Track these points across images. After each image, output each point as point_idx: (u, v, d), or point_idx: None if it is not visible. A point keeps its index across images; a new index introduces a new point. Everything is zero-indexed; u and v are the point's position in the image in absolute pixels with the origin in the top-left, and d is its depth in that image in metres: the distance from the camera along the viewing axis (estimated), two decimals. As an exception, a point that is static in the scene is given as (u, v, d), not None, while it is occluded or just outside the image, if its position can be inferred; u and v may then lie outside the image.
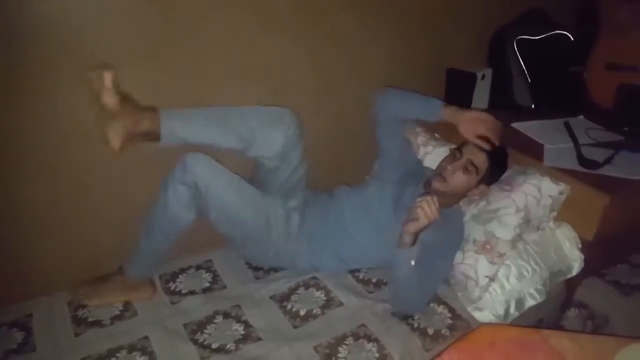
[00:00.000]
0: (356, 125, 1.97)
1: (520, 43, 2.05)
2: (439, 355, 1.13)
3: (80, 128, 1.42)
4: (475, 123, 1.46)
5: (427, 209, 1.28)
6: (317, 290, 1.53)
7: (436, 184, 1.50)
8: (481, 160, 1.48)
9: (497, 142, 1.46)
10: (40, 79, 1.33)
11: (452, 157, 1.51)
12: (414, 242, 1.33)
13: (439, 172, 1.51)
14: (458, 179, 1.48)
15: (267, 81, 1.70)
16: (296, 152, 1.50)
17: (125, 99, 1.28)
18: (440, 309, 1.48)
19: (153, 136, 1.33)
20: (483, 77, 2.06)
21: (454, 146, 1.79)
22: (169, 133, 1.33)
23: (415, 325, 1.41)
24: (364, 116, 1.96)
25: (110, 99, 1.25)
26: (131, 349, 1.29)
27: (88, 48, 1.35)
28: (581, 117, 2.03)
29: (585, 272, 1.63)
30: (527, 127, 1.94)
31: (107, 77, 1.23)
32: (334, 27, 1.74)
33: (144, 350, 1.29)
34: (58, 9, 1.29)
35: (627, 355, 1.11)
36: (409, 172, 1.68)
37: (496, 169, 1.53)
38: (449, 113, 1.49)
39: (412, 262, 1.34)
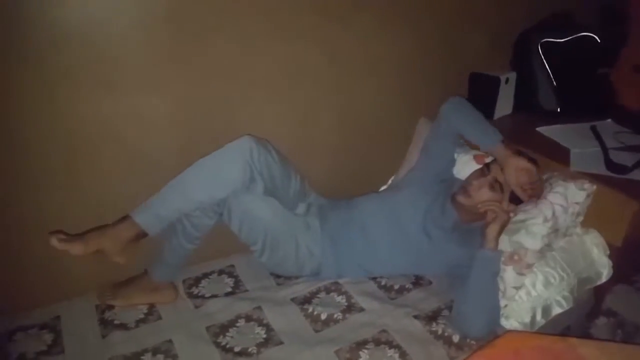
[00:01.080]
0: (374, 131, 1.97)
1: (545, 46, 2.02)
2: (463, 361, 1.12)
3: (103, 132, 1.46)
4: (520, 173, 1.43)
5: (497, 207, 1.38)
6: (339, 295, 1.53)
7: (461, 198, 1.49)
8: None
9: (535, 197, 1.46)
10: (56, 86, 1.36)
11: (480, 172, 1.50)
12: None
13: (465, 187, 1.50)
14: (483, 195, 1.46)
15: (284, 90, 1.72)
16: (272, 171, 1.45)
17: (91, 240, 1.31)
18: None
19: (143, 235, 1.35)
20: (507, 81, 2.04)
21: (477, 153, 1.78)
22: (151, 224, 1.34)
23: (440, 332, 1.39)
24: (382, 122, 1.98)
25: (81, 252, 1.29)
26: (155, 351, 1.31)
27: (106, 56, 1.39)
28: (609, 120, 1.99)
29: (614, 279, 1.59)
30: (552, 131, 1.91)
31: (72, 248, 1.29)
32: (350, 31, 1.73)
33: (167, 353, 1.31)
34: (76, 18, 1.33)
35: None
36: (442, 184, 1.66)
37: None
38: (502, 152, 1.45)
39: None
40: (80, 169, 1.48)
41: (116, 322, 1.41)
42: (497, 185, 1.46)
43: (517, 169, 1.42)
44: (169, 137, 1.57)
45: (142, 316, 1.44)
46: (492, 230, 1.40)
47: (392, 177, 2.02)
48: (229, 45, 1.54)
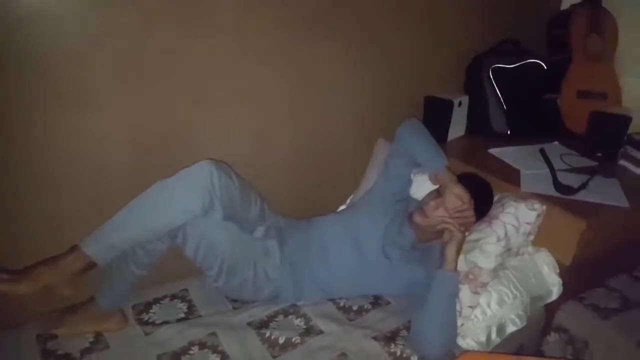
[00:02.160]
0: (333, 151, 1.98)
1: (496, 71, 2.10)
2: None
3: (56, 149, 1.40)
4: (455, 199, 1.44)
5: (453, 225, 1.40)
6: (297, 318, 1.50)
7: (418, 219, 1.49)
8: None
9: (462, 230, 1.44)
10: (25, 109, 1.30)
11: (437, 193, 1.50)
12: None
13: (421, 207, 1.50)
14: (439, 215, 1.45)
15: (250, 106, 1.70)
16: (232, 197, 1.41)
17: (38, 275, 1.23)
18: (422, 336, 1.45)
19: (92, 265, 1.28)
20: (460, 104, 2.10)
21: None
22: (102, 254, 1.27)
23: (398, 353, 1.38)
24: (341, 142, 1.99)
25: (29, 291, 1.21)
26: (102, 383, 1.24)
27: (66, 76, 1.34)
28: (556, 143, 2.08)
29: (564, 297, 1.64)
30: (503, 153, 1.97)
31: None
32: (315, 55, 1.76)
33: (115, 385, 1.23)
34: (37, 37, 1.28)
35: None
36: (399, 204, 1.67)
37: (480, 206, 1.51)
38: (445, 177, 1.47)
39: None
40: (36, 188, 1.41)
41: (59, 352, 1.32)
42: None
43: (456, 196, 1.43)
44: (122, 155, 1.52)
45: (88, 345, 1.35)
46: (450, 250, 1.41)
47: (351, 197, 2.02)
48: (189, 65, 1.52)
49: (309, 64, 1.76)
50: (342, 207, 2.00)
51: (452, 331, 1.42)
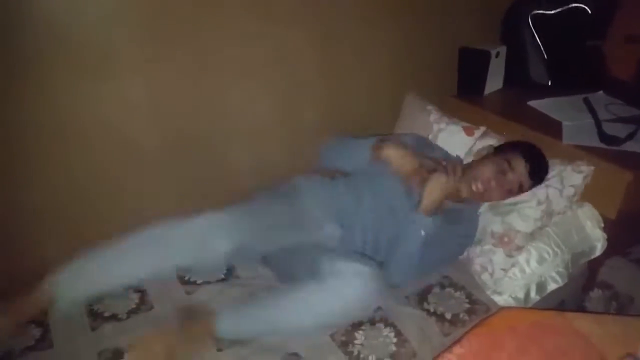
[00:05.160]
0: (364, 109, 1.94)
1: (535, 18, 1.98)
2: (458, 341, 1.10)
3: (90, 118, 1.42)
4: (397, 159, 1.44)
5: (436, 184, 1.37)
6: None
7: (473, 193, 1.47)
8: (528, 184, 1.46)
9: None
10: (40, 74, 1.32)
11: (498, 168, 1.45)
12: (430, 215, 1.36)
13: (479, 180, 1.45)
14: (498, 196, 1.46)
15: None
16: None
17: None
18: (458, 293, 1.44)
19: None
20: (497, 55, 2.00)
21: (466, 125, 1.75)
22: (65, 294, 1.27)
23: (432, 309, 1.38)
24: (370, 99, 1.94)
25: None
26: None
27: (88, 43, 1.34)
28: (601, 92, 1.96)
29: (608, 252, 1.59)
30: (544, 105, 1.88)
31: None
32: (340, 14, 1.70)
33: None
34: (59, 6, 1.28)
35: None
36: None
37: (535, 173, 1.47)
38: (378, 154, 1.45)
39: (422, 232, 1.33)
40: (70, 157, 1.45)
41: (106, 314, 1.38)
42: (517, 190, 1.46)
43: (395, 158, 1.43)
44: (153, 123, 1.53)
45: (133, 306, 1.41)
46: (429, 192, 1.38)
47: None
48: (218, 33, 1.50)
49: (336, 22, 1.70)
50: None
51: (412, 267, 1.38)
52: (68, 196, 1.48)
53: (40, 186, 1.43)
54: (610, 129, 1.63)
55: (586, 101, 1.82)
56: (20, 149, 1.37)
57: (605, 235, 1.55)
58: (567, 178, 1.49)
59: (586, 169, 1.49)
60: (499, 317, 1.18)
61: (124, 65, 1.41)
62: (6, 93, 1.29)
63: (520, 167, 1.44)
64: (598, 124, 1.66)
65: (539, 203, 1.47)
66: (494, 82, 2.05)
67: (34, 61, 1.29)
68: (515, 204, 1.49)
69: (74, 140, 1.43)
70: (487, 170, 1.46)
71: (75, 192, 1.49)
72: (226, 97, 1.61)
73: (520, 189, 1.46)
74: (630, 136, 1.58)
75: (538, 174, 1.47)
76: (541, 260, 1.48)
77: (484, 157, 1.52)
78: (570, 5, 2.00)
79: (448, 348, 1.10)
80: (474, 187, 1.45)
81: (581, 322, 1.14)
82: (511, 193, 1.46)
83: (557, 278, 1.48)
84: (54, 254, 1.38)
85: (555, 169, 1.50)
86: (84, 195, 1.50)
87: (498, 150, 1.52)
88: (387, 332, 1.30)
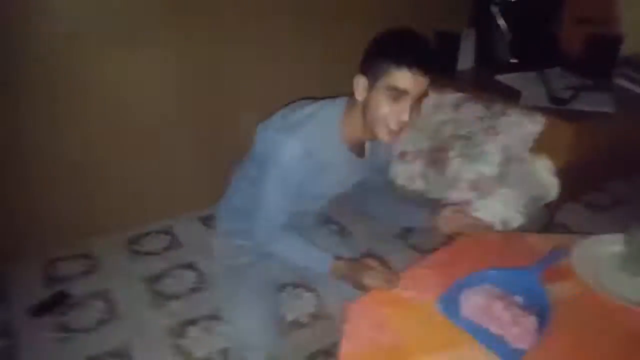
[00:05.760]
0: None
1: (500, 3, 2.28)
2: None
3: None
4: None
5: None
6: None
7: (392, 136, 1.25)
8: (427, 81, 1.19)
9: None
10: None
11: (393, 100, 1.19)
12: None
13: (388, 123, 1.22)
14: (414, 116, 1.23)
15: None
16: None
17: None
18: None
19: None
20: (467, 37, 2.29)
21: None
22: None
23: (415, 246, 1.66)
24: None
25: None
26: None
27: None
28: (558, 68, 2.26)
29: (564, 198, 1.86)
30: (508, 79, 2.18)
31: None
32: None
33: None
34: None
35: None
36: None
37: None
38: (341, 268, 1.29)
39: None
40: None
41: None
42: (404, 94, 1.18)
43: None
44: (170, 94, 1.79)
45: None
46: (353, 277, 1.24)
47: None
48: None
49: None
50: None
51: None
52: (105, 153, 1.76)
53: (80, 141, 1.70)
54: (559, 94, 1.93)
55: (541, 74, 2.11)
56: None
57: (557, 181, 1.83)
58: (524, 127, 1.78)
59: (540, 119, 1.78)
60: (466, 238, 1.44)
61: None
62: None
63: (411, 81, 1.17)
64: (549, 89, 1.95)
65: (502, 148, 1.75)
66: (466, 61, 2.34)
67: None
68: (482, 152, 1.77)
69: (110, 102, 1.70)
70: (385, 110, 1.20)
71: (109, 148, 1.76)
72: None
73: (426, 93, 1.23)
74: (574, 97, 1.88)
75: (429, 64, 1.18)
76: (505, 202, 1.76)
77: (371, 95, 1.23)
78: (529, -9, 2.30)
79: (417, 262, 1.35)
80: (387, 137, 1.25)
81: (533, 238, 1.40)
82: (420, 101, 1.24)
83: (518, 217, 1.76)
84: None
85: (515, 119, 1.79)
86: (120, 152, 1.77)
87: (376, 74, 1.20)
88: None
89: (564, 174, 1.82)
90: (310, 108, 1.33)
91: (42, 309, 1.47)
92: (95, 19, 1.58)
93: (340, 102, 1.33)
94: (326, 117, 1.31)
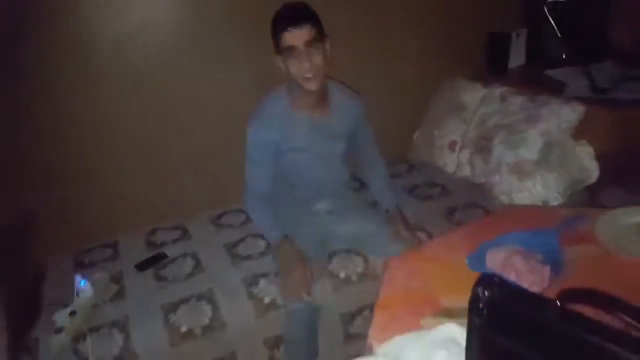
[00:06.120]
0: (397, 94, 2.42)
1: (550, 4, 2.41)
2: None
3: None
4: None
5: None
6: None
7: (312, 85, 1.51)
8: (315, 32, 1.47)
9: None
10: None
11: (293, 58, 1.48)
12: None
13: (300, 77, 1.50)
14: (317, 61, 1.48)
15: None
16: None
17: None
18: (479, 211, 1.92)
19: None
20: (518, 36, 2.45)
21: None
22: None
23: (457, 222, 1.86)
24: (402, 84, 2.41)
25: None
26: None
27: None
28: (606, 62, 2.33)
29: (605, 182, 1.96)
30: (557, 73, 2.32)
31: None
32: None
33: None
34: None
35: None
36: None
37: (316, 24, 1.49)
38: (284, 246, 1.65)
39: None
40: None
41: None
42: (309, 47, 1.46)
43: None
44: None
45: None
46: (283, 269, 1.63)
47: (416, 133, 2.47)
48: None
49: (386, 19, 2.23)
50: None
51: None
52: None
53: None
54: (602, 84, 2.04)
55: (587, 67, 2.21)
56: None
57: (598, 165, 1.94)
58: (564, 115, 1.91)
59: (579, 107, 1.90)
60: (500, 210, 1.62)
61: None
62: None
63: (292, 37, 1.45)
64: (592, 81, 2.06)
65: (541, 134, 1.89)
66: (517, 58, 2.49)
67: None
68: (524, 138, 1.93)
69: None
70: (293, 68, 1.49)
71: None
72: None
73: (317, 38, 1.48)
74: (615, 87, 1.98)
75: (299, 18, 1.45)
76: (545, 185, 1.90)
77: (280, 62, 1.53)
78: (579, -8, 2.41)
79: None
80: (310, 85, 1.51)
81: (563, 210, 1.55)
82: (318, 47, 1.48)
83: (558, 197, 1.89)
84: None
85: (555, 108, 1.93)
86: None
87: (278, 48, 1.51)
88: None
89: (605, 158, 1.93)
90: (263, 98, 1.67)
91: (145, 265, 1.84)
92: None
93: (282, 86, 1.65)
94: (275, 98, 1.64)
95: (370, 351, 1.12)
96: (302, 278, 1.55)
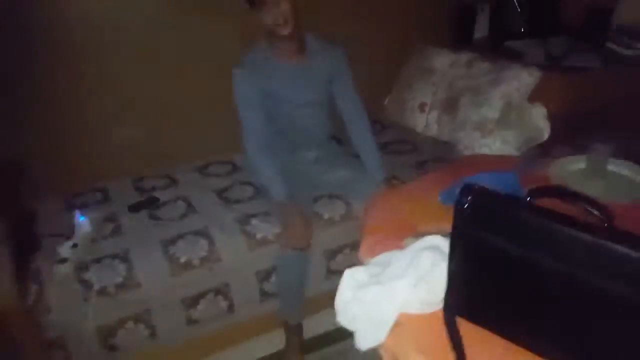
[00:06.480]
0: (377, 57, 2.61)
1: (511, -19, 2.63)
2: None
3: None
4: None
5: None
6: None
7: (285, 31, 1.71)
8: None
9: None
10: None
11: (263, 8, 1.68)
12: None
13: (274, 27, 1.71)
14: (285, 6, 1.67)
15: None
16: None
17: None
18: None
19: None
20: (482, 10, 2.67)
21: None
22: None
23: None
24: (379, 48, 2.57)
25: None
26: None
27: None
28: (561, 37, 2.59)
29: (557, 141, 2.21)
30: (516, 44, 2.54)
31: None
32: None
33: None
34: None
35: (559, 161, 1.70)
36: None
37: None
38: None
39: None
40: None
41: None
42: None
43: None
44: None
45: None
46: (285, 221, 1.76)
47: (387, 98, 2.67)
48: None
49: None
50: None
51: None
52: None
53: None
54: (555, 54, 2.29)
55: (543, 40, 2.45)
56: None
57: (549, 125, 2.19)
58: (522, 79, 2.14)
59: (535, 72, 2.14)
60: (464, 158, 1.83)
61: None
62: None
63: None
64: (547, 51, 2.31)
65: (502, 96, 2.12)
66: (481, 30, 2.71)
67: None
68: (487, 99, 2.15)
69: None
70: (265, 18, 1.70)
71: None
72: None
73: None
74: (566, 56, 2.24)
75: None
76: (503, 141, 2.13)
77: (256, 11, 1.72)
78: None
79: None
80: (283, 31, 1.71)
81: (516, 158, 1.78)
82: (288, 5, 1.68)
83: (514, 153, 2.13)
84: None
85: (515, 72, 2.16)
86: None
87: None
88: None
89: (555, 119, 2.18)
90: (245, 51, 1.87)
91: (138, 206, 1.94)
92: None
93: (263, 41, 1.85)
94: (255, 50, 1.86)
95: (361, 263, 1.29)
96: (303, 232, 1.72)
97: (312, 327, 1.93)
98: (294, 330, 1.86)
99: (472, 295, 0.98)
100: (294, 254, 1.74)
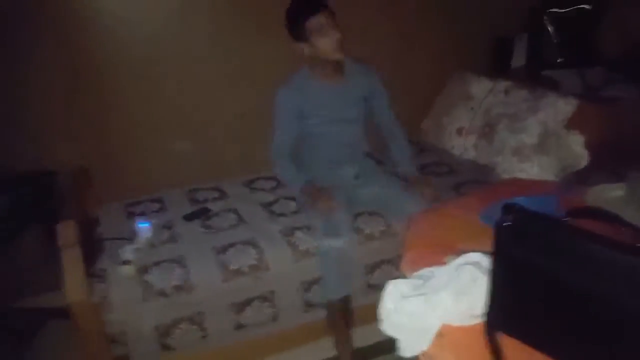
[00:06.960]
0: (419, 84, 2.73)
1: (550, 14, 2.72)
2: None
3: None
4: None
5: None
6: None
7: (339, 54, 1.89)
8: (331, 14, 1.86)
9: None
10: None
11: (326, 30, 1.84)
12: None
13: (335, 47, 1.86)
14: (341, 39, 1.87)
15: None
16: None
17: None
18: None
19: None
20: (520, 40, 2.76)
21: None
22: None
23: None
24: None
25: None
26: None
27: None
28: (598, 67, 2.66)
29: (593, 168, 2.27)
30: (552, 73, 2.63)
31: None
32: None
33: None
34: None
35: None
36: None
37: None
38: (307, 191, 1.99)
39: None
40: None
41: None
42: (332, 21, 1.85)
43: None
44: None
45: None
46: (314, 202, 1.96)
47: (424, 121, 2.78)
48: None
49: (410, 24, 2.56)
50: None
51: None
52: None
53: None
54: (592, 84, 2.36)
55: (580, 70, 2.53)
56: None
57: (587, 153, 2.24)
58: (559, 107, 2.22)
59: (572, 101, 2.22)
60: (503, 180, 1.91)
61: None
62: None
63: (321, 18, 1.83)
64: (583, 80, 2.38)
65: (540, 123, 2.20)
66: (518, 59, 2.80)
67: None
68: (524, 126, 2.23)
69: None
70: (323, 46, 1.86)
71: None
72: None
73: (333, 12, 1.87)
74: (604, 87, 2.31)
75: (317, 2, 1.86)
76: (541, 167, 2.20)
77: (312, 44, 1.88)
78: (576, 7, 2.73)
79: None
80: (338, 54, 1.89)
81: (554, 182, 1.85)
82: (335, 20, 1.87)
83: (552, 178, 2.20)
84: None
85: (552, 101, 2.23)
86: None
87: (304, 33, 1.86)
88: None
89: (593, 147, 2.24)
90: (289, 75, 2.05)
91: (192, 216, 2.09)
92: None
93: (304, 67, 2.03)
94: (299, 73, 2.02)
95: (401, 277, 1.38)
96: (329, 199, 1.90)
97: (362, 337, 1.96)
98: (339, 309, 1.87)
99: (513, 311, 1.02)
100: (327, 246, 1.83)
